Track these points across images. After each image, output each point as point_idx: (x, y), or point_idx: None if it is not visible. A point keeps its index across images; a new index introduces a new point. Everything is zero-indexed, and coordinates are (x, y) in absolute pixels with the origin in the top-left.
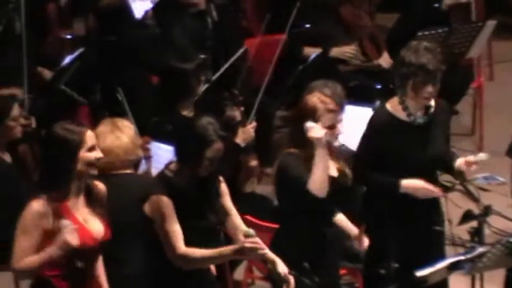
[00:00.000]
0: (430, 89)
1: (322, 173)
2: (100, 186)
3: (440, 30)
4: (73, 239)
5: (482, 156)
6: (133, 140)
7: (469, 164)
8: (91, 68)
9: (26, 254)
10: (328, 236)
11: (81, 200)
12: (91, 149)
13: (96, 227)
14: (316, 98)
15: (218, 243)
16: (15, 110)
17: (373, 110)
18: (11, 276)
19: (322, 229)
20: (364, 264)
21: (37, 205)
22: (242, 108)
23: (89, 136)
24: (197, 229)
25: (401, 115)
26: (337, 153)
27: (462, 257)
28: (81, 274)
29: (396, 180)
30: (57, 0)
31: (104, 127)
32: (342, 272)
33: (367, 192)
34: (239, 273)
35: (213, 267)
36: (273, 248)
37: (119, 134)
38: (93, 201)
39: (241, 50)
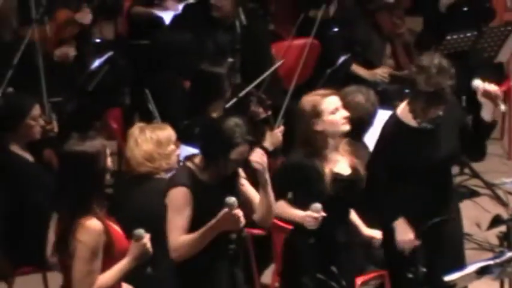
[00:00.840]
0: (441, 108)
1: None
2: None
3: (469, 34)
4: (151, 248)
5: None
6: (148, 154)
7: (486, 91)
8: (121, 71)
9: (97, 276)
10: (338, 240)
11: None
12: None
13: (118, 229)
14: (310, 97)
15: (239, 238)
16: (36, 110)
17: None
18: (40, 278)
19: (332, 232)
20: (392, 269)
21: (95, 224)
22: (270, 112)
23: (106, 145)
24: None
25: (412, 122)
26: (353, 148)
27: (491, 262)
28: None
29: (395, 216)
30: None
31: (131, 131)
32: (371, 275)
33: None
34: (267, 277)
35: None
36: (285, 250)
37: (133, 147)
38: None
39: (278, 63)
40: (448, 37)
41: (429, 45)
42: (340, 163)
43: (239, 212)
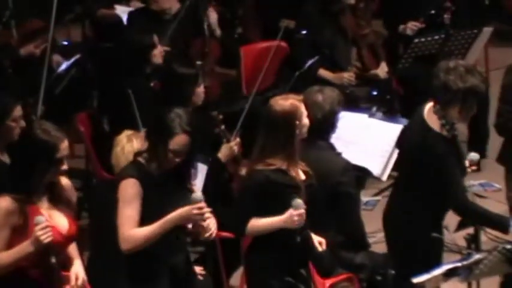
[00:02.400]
0: (475, 108)
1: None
2: (64, 181)
3: (436, 37)
4: (45, 236)
5: (472, 156)
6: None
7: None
8: (88, 74)
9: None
10: (309, 242)
11: (44, 196)
12: (62, 160)
13: (61, 222)
14: (288, 101)
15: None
16: (17, 111)
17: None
18: None
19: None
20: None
21: (4, 203)
22: (223, 127)
23: (64, 147)
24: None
25: (444, 132)
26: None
27: (459, 264)
28: (51, 268)
29: (509, 217)
30: None
31: (119, 139)
32: (340, 278)
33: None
34: (235, 279)
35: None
36: (252, 252)
37: (119, 155)
38: (55, 197)
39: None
40: (416, 40)
41: (396, 48)
42: (297, 169)
43: (204, 207)
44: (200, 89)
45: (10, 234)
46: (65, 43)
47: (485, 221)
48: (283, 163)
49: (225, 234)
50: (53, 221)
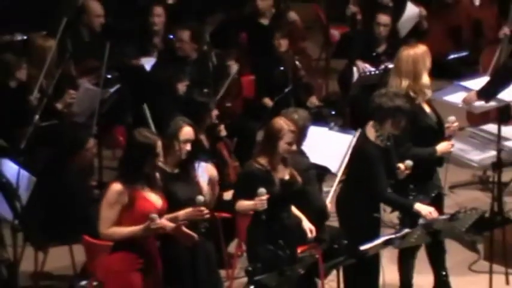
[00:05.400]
0: (404, 122)
1: None
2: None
3: (377, 71)
4: (156, 227)
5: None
6: None
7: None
8: (125, 97)
9: (111, 222)
10: (284, 221)
11: (144, 183)
12: (159, 154)
13: (156, 200)
14: (282, 121)
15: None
16: (90, 143)
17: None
18: (67, 249)
19: (280, 216)
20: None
21: (117, 186)
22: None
23: (159, 144)
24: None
25: (378, 141)
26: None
27: (393, 236)
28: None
29: (412, 203)
30: None
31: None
32: (307, 246)
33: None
34: (231, 248)
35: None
36: (247, 230)
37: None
38: (151, 182)
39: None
40: (362, 74)
41: (349, 80)
42: (282, 171)
43: (204, 210)
44: (213, 113)
45: (120, 210)
46: (109, 76)
47: (396, 207)
48: (267, 162)
49: (224, 214)
50: (151, 199)
